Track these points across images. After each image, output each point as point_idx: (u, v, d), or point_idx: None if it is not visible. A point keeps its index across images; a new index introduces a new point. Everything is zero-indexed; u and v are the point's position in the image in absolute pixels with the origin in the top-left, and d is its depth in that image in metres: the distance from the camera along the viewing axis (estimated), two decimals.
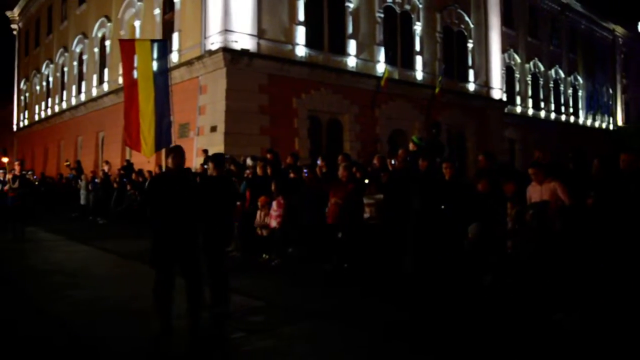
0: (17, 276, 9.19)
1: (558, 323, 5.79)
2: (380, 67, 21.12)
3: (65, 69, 31.13)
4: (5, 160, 15.44)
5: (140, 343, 5.39)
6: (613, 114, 42.56)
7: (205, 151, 15.96)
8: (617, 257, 6.22)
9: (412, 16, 23.16)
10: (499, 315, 6.25)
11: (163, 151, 18.68)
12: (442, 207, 7.89)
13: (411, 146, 10.21)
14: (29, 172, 22.13)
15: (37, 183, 22.90)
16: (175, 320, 5.52)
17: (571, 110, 36.70)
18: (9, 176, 14.42)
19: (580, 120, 37.83)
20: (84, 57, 28.49)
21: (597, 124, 39.86)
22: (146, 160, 17.41)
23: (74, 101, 29.55)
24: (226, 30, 16.98)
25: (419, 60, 23.25)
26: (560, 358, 5.07)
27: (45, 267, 9.85)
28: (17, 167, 13.98)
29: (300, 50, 18.82)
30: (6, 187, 13.53)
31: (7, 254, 11.72)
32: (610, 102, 42.35)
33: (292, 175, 10.51)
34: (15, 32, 41.58)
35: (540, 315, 6.04)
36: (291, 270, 9.32)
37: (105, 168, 19.75)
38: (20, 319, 6.37)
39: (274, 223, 9.83)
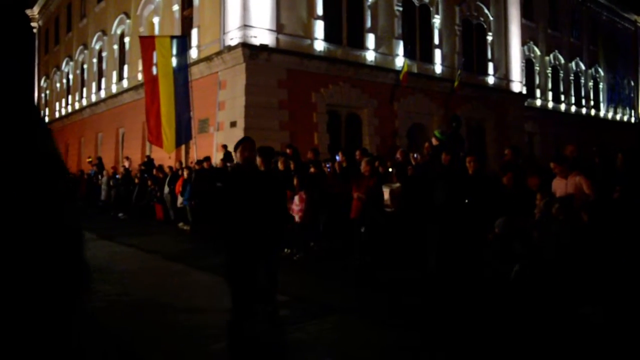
0: None
1: (585, 317, 5.75)
2: (399, 61, 21.01)
3: (85, 66, 31.43)
4: None
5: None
6: (635, 107, 41.93)
7: (225, 146, 16.04)
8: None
9: (431, 9, 22.99)
10: (524, 309, 6.21)
11: (183, 147, 18.95)
12: (466, 201, 7.84)
13: (434, 141, 10.18)
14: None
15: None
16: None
17: (592, 103, 36.24)
18: None
19: (602, 113, 37.34)
20: (104, 54, 28.74)
21: (618, 117, 39.34)
22: (167, 155, 17.61)
23: (94, 98, 29.82)
24: (245, 26, 17.00)
25: (437, 53, 23.08)
26: (585, 351, 5.02)
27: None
28: None
29: (319, 45, 18.79)
30: None
31: None
32: (632, 95, 41.74)
33: (312, 170, 10.51)
34: (35, 30, 42.07)
35: (567, 308, 5.99)
36: (313, 264, 9.35)
37: (126, 164, 19.92)
38: None
39: (296, 217, 9.84)
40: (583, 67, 35.23)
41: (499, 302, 6.57)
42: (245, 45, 16.81)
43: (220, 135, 17.82)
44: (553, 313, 5.97)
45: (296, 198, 10.01)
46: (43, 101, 40.65)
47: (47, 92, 39.45)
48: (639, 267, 6.14)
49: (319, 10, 18.77)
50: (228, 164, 13.04)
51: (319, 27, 18.77)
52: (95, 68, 29.99)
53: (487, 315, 6.20)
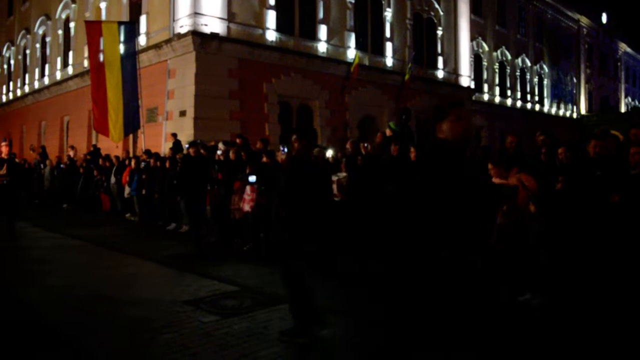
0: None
1: (524, 303, 5.96)
2: (351, 53, 21.11)
3: (28, 51, 30.28)
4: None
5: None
6: (577, 103, 43.42)
7: (175, 135, 15.78)
8: (588, 241, 6.38)
9: (383, 2, 23.17)
10: (470, 295, 6.35)
11: (130, 136, 18.52)
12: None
13: (387, 132, 10.26)
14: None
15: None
16: None
17: (537, 98, 37.34)
18: None
19: (545, 109, 38.52)
20: (47, 39, 27.77)
21: (561, 113, 40.65)
22: (114, 145, 17.19)
23: (37, 85, 28.78)
24: (195, 13, 16.73)
25: (389, 46, 23.31)
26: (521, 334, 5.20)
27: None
28: (4, 149, 11.15)
29: (271, 35, 18.68)
30: None
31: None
32: (574, 91, 43.19)
33: (265, 159, 10.44)
34: None
35: (508, 295, 6.19)
36: (263, 254, 9.31)
37: (71, 153, 19.32)
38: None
39: (247, 207, 9.77)
40: (529, 64, 36.23)
41: (445, 289, 6.69)
42: (195, 34, 16.55)
43: (169, 124, 17.52)
44: (495, 299, 6.14)
45: (248, 188, 9.92)
46: None
47: None
48: (582, 255, 6.36)
49: (271, 0, 18.63)
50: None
51: (270, 17, 18.64)
52: (38, 54, 28.94)
53: (433, 301, 6.31)
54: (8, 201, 10.92)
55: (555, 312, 5.84)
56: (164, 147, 16.71)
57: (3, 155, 11.13)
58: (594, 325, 5.42)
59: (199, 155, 10.30)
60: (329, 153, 9.24)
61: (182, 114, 17.07)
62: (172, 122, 17.43)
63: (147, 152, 14.53)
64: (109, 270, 8.34)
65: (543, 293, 6.08)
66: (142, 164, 13.82)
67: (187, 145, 10.68)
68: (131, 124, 15.61)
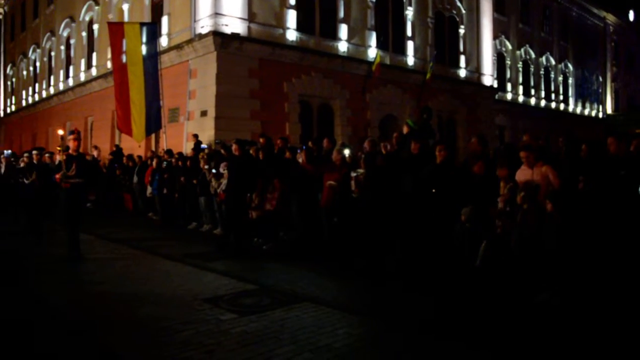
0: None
1: (541, 304, 5.85)
2: (372, 52, 21.02)
3: (53, 53, 30.73)
4: (60, 132, 10.40)
5: None
6: (603, 102, 42.70)
7: (196, 136, 15.87)
8: (607, 240, 6.26)
9: (404, 1, 23.03)
10: (489, 296, 6.28)
11: (153, 136, 18.67)
12: (433, 190, 7.85)
13: (405, 129, 10.16)
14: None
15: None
16: None
17: (561, 97, 36.79)
18: (59, 157, 9.86)
19: (570, 108, 37.95)
20: (72, 41, 28.14)
21: (586, 112, 40.01)
22: (136, 145, 17.34)
23: (61, 86, 29.19)
24: (216, 14, 16.80)
25: (410, 45, 23.16)
26: (537, 335, 5.10)
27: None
28: (71, 144, 9.11)
29: (291, 35, 18.68)
30: (59, 175, 8.79)
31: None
32: (600, 90, 42.48)
33: (288, 155, 10.45)
34: (0, 17, 40.96)
35: (526, 295, 6.09)
36: (282, 254, 9.31)
37: (95, 153, 19.52)
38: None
39: (268, 206, 9.77)
40: (553, 62, 35.72)
41: (465, 288, 6.62)
42: (216, 34, 16.62)
43: (190, 124, 17.63)
44: (513, 299, 6.06)
45: (270, 187, 9.92)
46: (9, 89, 39.68)
47: (13, 80, 38.47)
48: (602, 256, 6.24)
49: (292, 0, 18.64)
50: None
51: (291, 17, 18.64)
52: (63, 55, 29.35)
53: (453, 301, 6.26)
54: (74, 207, 9.00)
55: (574, 312, 5.72)
56: (186, 147, 16.81)
57: (71, 151, 9.12)
58: (616, 327, 5.31)
59: (245, 153, 10.09)
60: (347, 151, 9.18)
61: (204, 113, 17.16)
62: (194, 122, 17.53)
63: (169, 151, 14.63)
64: (129, 268, 8.41)
65: (561, 292, 5.96)
66: (164, 164, 13.91)
67: (217, 144, 10.40)
68: (153, 124, 15.70)
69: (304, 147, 10.63)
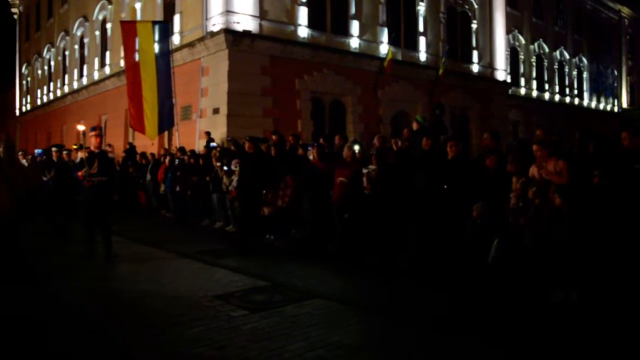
0: None
1: (557, 302, 5.80)
2: (384, 49, 20.94)
3: (67, 52, 30.98)
4: (81, 128, 9.96)
5: None
6: (618, 96, 42.22)
7: (208, 133, 15.93)
8: (622, 236, 6.19)
9: None
10: (501, 293, 6.24)
11: (165, 134, 18.77)
12: (445, 186, 7.81)
13: (415, 125, 10.11)
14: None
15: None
16: None
17: (576, 92, 36.42)
18: (81, 154, 9.71)
19: (585, 102, 37.55)
20: (85, 40, 28.33)
21: (601, 106, 39.58)
22: (149, 142, 17.43)
23: (75, 85, 29.43)
24: (228, 12, 16.83)
25: (422, 41, 23.04)
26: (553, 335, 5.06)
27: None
28: (93, 140, 8.75)
29: (303, 31, 18.66)
30: (81, 173, 8.48)
31: None
32: (615, 84, 42.00)
33: (300, 152, 10.47)
34: (15, 16, 41.35)
35: (540, 292, 6.04)
36: (294, 251, 9.33)
37: (109, 151, 19.64)
38: None
39: (280, 202, 9.79)
40: (567, 56, 35.36)
41: (477, 285, 6.59)
42: (227, 32, 16.64)
43: (203, 122, 17.69)
44: (527, 297, 6.02)
45: (282, 184, 9.93)
46: (24, 88, 40.07)
47: (29, 79, 38.85)
48: (617, 252, 6.17)
49: None
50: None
51: (302, 14, 18.62)
52: (77, 54, 29.57)
53: (466, 298, 6.23)
54: (100, 208, 8.61)
55: (589, 310, 5.66)
56: (198, 145, 16.88)
57: (92, 147, 8.79)
58: (631, 325, 5.26)
59: (258, 150, 10.06)
60: (357, 147, 9.16)
61: (216, 111, 17.21)
62: (206, 119, 17.60)
63: (181, 149, 14.71)
64: (142, 264, 8.47)
65: (576, 290, 5.90)
66: (176, 161, 13.99)
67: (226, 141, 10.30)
68: (166, 122, 15.78)
69: (315, 144, 10.62)
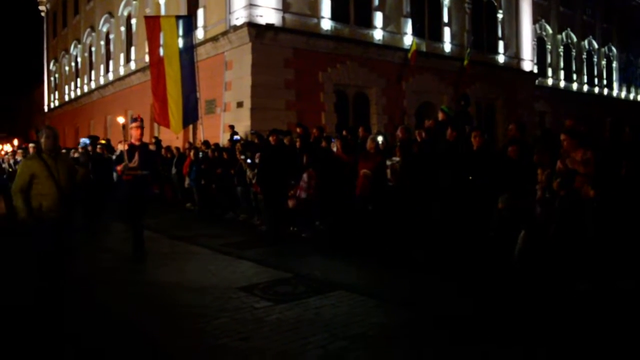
0: None
1: (582, 293, 5.69)
2: (408, 40, 20.77)
3: (93, 48, 31.39)
4: (120, 120, 9.32)
5: None
6: None
7: (232, 127, 16.00)
8: None
9: None
10: (528, 286, 6.14)
11: (190, 128, 18.91)
12: (470, 178, 7.71)
13: (440, 116, 9.98)
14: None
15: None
16: None
17: (604, 82, 35.67)
18: (121, 146, 9.19)
19: (614, 93, 36.78)
20: (111, 36, 28.66)
21: (631, 97, 38.73)
22: (174, 136, 17.56)
23: (102, 80, 29.81)
24: (251, 5, 16.84)
25: (447, 31, 22.78)
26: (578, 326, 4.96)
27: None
28: (134, 132, 8.30)
29: (326, 24, 18.59)
30: (120, 167, 8.06)
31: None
32: None
33: (324, 144, 10.45)
34: (43, 14, 42.02)
35: (565, 284, 5.93)
36: (318, 242, 9.32)
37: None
38: None
39: (303, 194, 9.78)
40: (596, 46, 34.64)
41: (504, 279, 6.49)
42: (251, 25, 16.66)
43: (227, 115, 17.76)
44: (552, 289, 5.91)
45: (305, 175, 9.91)
46: (52, 85, 40.74)
47: (57, 75, 39.50)
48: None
49: None
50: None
51: (325, 6, 18.55)
52: (103, 50, 29.94)
53: (492, 291, 6.15)
54: (137, 202, 8.24)
55: (615, 302, 5.53)
56: (222, 138, 16.96)
57: (133, 140, 8.28)
58: None
59: (280, 144, 9.98)
60: (380, 139, 9.10)
61: (240, 105, 17.26)
62: (230, 113, 17.66)
63: (206, 142, 14.79)
64: (167, 257, 8.54)
65: (602, 282, 5.77)
66: (200, 155, 14.07)
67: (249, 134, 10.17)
68: (190, 116, 15.89)
69: (338, 137, 10.59)
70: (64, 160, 5.89)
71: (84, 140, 15.78)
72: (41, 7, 41.81)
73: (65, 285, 5.76)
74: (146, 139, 21.44)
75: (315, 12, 18.39)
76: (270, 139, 9.85)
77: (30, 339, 4.85)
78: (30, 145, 12.18)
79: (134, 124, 8.33)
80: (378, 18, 20.10)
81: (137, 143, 8.25)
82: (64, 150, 10.65)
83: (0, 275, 7.25)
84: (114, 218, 11.39)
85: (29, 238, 5.68)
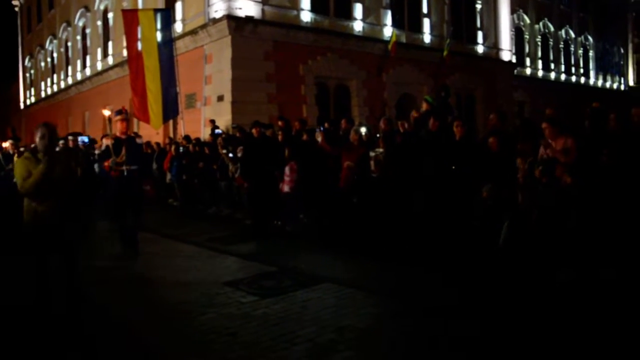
0: None
1: (562, 283, 5.74)
2: (388, 31, 20.78)
3: (69, 43, 30.92)
4: (106, 113, 9.12)
5: None
6: (624, 74, 41.83)
7: (213, 121, 15.87)
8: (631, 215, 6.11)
9: None
10: (512, 274, 6.19)
11: (170, 123, 18.74)
12: (453, 168, 7.75)
13: (424, 106, 9.98)
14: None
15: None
16: None
17: (582, 71, 36.09)
18: (106, 141, 8.90)
19: (591, 81, 37.22)
20: (87, 30, 28.28)
21: (608, 85, 39.24)
22: (154, 132, 17.40)
23: (79, 76, 29.40)
24: None
25: (426, 22, 22.84)
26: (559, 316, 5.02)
27: None
28: (119, 125, 8.05)
29: (306, 16, 18.52)
30: (107, 162, 7.84)
31: None
32: (622, 62, 41.60)
33: (305, 137, 10.39)
34: (16, 9, 41.23)
35: (546, 272, 5.98)
36: (303, 236, 9.31)
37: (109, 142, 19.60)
38: None
39: (286, 188, 9.74)
40: (573, 35, 35.00)
41: (488, 268, 6.53)
42: (230, 18, 16.54)
43: (208, 109, 17.63)
44: (534, 277, 5.96)
45: (287, 168, 9.87)
46: (28, 81, 40.07)
47: (32, 71, 38.86)
48: (625, 231, 6.10)
49: None
50: None
51: None
52: (79, 45, 29.52)
53: (476, 281, 6.19)
54: (131, 200, 7.97)
55: (595, 291, 5.58)
56: (203, 133, 16.84)
57: (119, 133, 8.02)
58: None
59: (263, 136, 9.87)
60: (363, 130, 9.09)
61: (220, 98, 17.15)
62: (211, 107, 17.54)
63: (187, 137, 14.68)
64: (151, 253, 8.45)
65: (583, 270, 5.82)
66: (181, 149, 13.96)
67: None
68: (170, 111, 15.75)
69: (321, 128, 10.55)
70: (62, 160, 5.40)
71: (82, 138, 15.55)
72: (15, 2, 41.01)
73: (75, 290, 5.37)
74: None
75: (294, 4, 18.31)
76: (253, 131, 9.80)
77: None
78: (8, 142, 11.82)
79: (118, 117, 8.03)
80: (358, 9, 20.07)
81: (123, 136, 7.96)
82: (62, 142, 10.25)
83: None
84: (100, 217, 11.20)
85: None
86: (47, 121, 5.96)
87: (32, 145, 5.53)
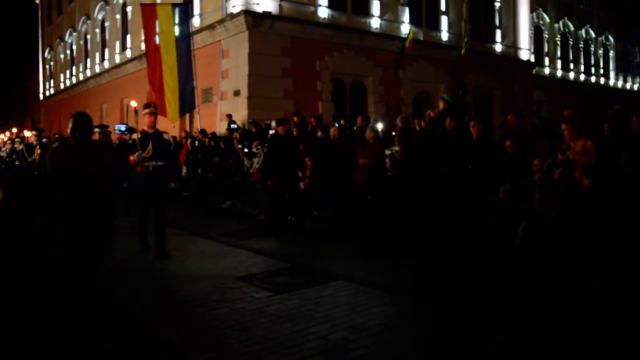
0: None
1: (583, 288, 5.66)
2: (405, 28, 20.68)
3: (88, 36, 31.15)
4: (133, 104, 10.09)
5: None
6: None
7: (230, 116, 15.92)
8: None
9: None
10: (529, 276, 6.14)
11: (187, 116, 18.82)
12: (469, 167, 7.69)
13: (441, 104, 9.92)
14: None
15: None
16: None
17: (601, 71, 35.63)
18: (134, 135, 8.14)
19: (611, 82, 36.74)
20: (106, 24, 28.45)
21: (628, 86, 38.72)
22: (171, 125, 17.46)
23: (97, 69, 29.62)
24: None
25: (444, 20, 22.69)
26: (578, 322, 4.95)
27: None
28: (147, 119, 7.70)
29: (323, 12, 18.48)
30: (133, 157, 7.42)
31: None
32: None
33: (320, 134, 10.37)
34: (37, 2, 41.61)
35: (566, 276, 5.90)
36: (317, 232, 9.30)
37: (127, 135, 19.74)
38: None
39: (301, 185, 9.75)
40: (593, 35, 34.56)
41: (504, 268, 6.49)
42: (247, 13, 16.56)
43: (224, 104, 17.68)
44: (552, 281, 5.89)
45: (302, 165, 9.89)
46: (47, 73, 40.44)
47: (52, 63, 39.19)
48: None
49: None
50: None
51: None
52: (98, 38, 29.72)
53: (492, 281, 6.14)
54: (153, 195, 7.62)
55: (616, 297, 5.50)
56: (219, 127, 16.89)
57: (146, 127, 7.66)
58: None
59: (289, 134, 9.68)
60: (380, 127, 9.05)
61: (236, 93, 17.19)
62: (227, 101, 17.59)
63: (202, 131, 14.73)
64: (167, 246, 8.48)
65: (603, 275, 5.73)
66: (196, 143, 14.02)
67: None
68: (187, 105, 15.82)
69: (336, 124, 10.53)
70: (97, 153, 5.00)
71: (118, 126, 15.57)
72: None
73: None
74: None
75: (312, 0, 18.28)
76: (280, 129, 9.61)
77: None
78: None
79: (146, 110, 7.73)
80: (375, 6, 19.99)
81: (150, 131, 7.62)
82: (97, 130, 9.63)
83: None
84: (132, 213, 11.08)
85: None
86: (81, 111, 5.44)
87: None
